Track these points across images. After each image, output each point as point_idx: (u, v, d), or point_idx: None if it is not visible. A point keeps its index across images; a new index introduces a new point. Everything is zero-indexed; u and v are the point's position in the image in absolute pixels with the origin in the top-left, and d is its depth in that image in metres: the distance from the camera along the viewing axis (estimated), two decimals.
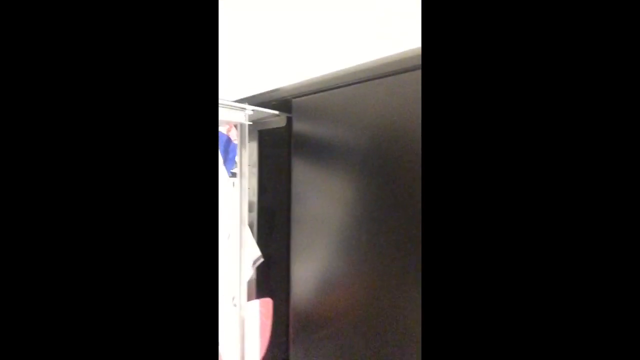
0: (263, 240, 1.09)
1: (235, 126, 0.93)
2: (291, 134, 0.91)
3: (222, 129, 0.94)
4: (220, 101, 0.79)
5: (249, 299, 0.98)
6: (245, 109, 0.83)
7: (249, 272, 0.99)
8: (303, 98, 0.83)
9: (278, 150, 1.05)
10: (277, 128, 1.01)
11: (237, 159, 0.95)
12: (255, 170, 1.10)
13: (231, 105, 0.81)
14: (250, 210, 1.10)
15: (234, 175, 0.98)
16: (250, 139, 1.00)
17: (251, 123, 0.86)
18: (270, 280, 1.10)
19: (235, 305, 0.94)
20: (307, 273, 0.89)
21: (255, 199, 1.11)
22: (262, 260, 1.05)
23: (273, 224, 1.12)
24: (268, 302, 1.03)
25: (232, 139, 0.96)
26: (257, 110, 0.86)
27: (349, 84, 0.72)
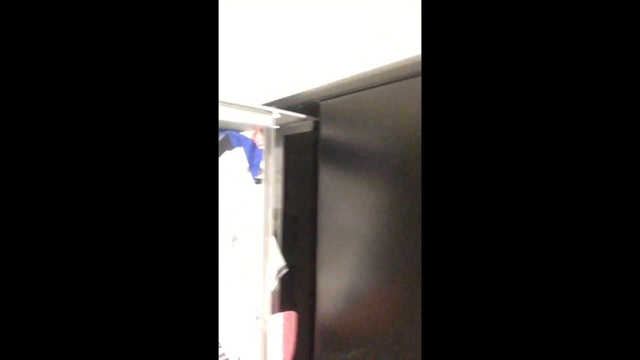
0: (287, 249, 1.05)
1: (262, 131, 0.90)
2: (318, 138, 0.87)
3: (247, 133, 0.91)
4: (246, 104, 0.76)
5: (272, 311, 0.94)
6: (271, 112, 0.80)
7: (273, 283, 0.95)
8: (331, 100, 0.79)
9: (304, 156, 1.02)
10: (303, 133, 0.98)
11: (262, 165, 0.92)
12: (280, 176, 1.07)
13: (257, 109, 0.78)
14: (274, 217, 1.06)
15: (259, 181, 0.95)
16: (275, 145, 0.97)
17: (278, 127, 0.83)
18: (294, 292, 1.05)
19: (257, 318, 0.89)
20: (334, 286, 0.83)
21: (279, 206, 1.08)
22: (286, 270, 1.01)
23: (298, 233, 1.08)
24: (292, 315, 0.98)
25: (258, 144, 0.93)
26: (284, 114, 0.83)
27: (382, 84, 0.68)
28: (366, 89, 0.71)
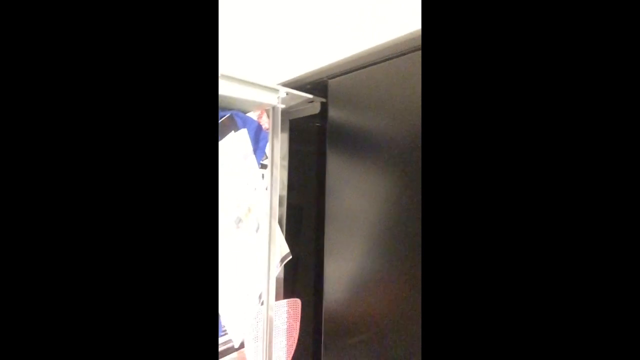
0: (292, 237, 1.03)
1: (267, 112, 0.88)
2: (326, 121, 0.84)
3: (253, 115, 0.89)
4: (252, 81, 0.74)
5: (276, 298, 0.92)
6: (278, 90, 0.78)
7: (277, 270, 0.93)
8: (341, 78, 0.76)
9: (311, 140, 0.99)
10: (310, 116, 0.96)
11: (267, 149, 0.90)
12: (285, 163, 1.05)
13: (263, 86, 0.76)
14: (280, 204, 1.04)
15: (263, 167, 0.93)
16: (281, 129, 0.95)
17: (284, 106, 0.81)
18: (298, 280, 1.03)
19: (262, 304, 0.87)
20: (341, 273, 0.81)
21: (284, 193, 1.05)
22: (290, 257, 0.98)
23: (303, 220, 1.06)
24: (296, 302, 0.96)
25: (264, 126, 0.91)
26: (291, 93, 0.81)
27: (394, 57, 0.66)
28: (377, 62, 0.69)
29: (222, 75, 0.69)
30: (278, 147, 0.86)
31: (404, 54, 0.63)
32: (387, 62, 0.66)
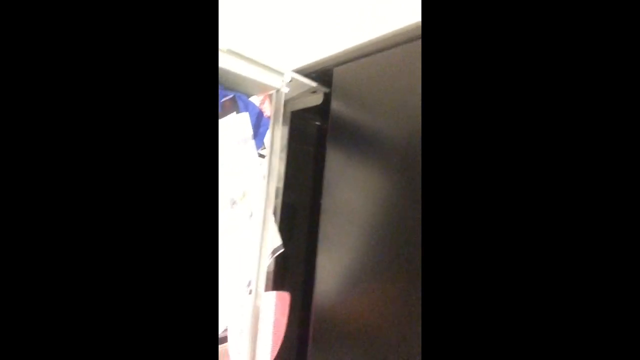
0: (284, 232, 1.01)
1: (270, 98, 0.88)
2: (327, 119, 0.84)
3: (256, 100, 0.89)
4: (259, 61, 0.74)
5: (265, 289, 0.89)
6: (283, 73, 0.78)
7: (267, 261, 0.91)
8: (347, 65, 0.77)
9: (310, 138, 0.99)
10: (311, 112, 0.95)
11: (266, 138, 0.89)
12: (283, 156, 1.04)
13: (270, 67, 0.76)
14: (275, 196, 1.02)
15: (261, 156, 0.92)
16: (283, 120, 0.94)
17: (288, 90, 0.81)
18: (288, 274, 1.01)
19: (250, 293, 0.84)
20: (335, 270, 0.79)
21: (280, 185, 1.04)
22: (282, 250, 0.96)
23: (297, 217, 1.04)
24: (285, 296, 0.93)
25: (265, 113, 0.90)
26: (296, 79, 0.81)
27: (402, 44, 0.66)
28: (386, 49, 0.69)
29: (230, 51, 0.69)
30: (279, 133, 0.85)
31: (412, 41, 0.64)
32: (396, 48, 0.67)
